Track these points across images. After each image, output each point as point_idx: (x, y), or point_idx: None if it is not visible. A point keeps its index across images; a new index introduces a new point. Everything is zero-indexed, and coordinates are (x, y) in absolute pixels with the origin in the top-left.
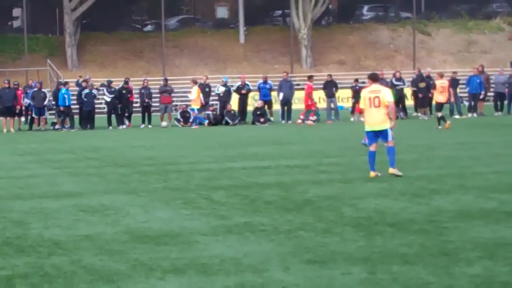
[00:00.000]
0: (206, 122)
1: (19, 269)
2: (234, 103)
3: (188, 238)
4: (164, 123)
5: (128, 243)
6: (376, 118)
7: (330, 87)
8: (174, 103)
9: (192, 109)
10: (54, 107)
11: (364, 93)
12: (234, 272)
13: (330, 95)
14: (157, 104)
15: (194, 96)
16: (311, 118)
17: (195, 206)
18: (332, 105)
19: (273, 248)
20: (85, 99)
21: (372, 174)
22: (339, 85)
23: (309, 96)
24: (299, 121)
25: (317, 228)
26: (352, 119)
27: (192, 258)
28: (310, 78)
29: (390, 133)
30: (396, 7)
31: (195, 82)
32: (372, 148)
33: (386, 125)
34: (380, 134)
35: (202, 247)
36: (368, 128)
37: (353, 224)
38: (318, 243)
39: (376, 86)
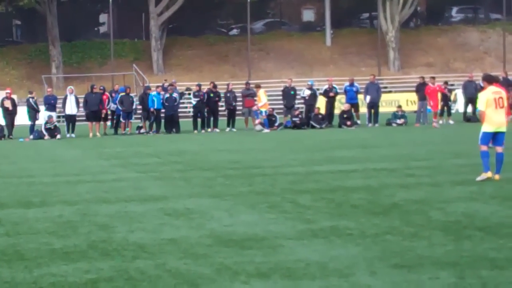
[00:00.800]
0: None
1: (104, 273)
2: (321, 106)
3: (273, 242)
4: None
5: (212, 247)
6: (502, 119)
7: (422, 90)
8: None
9: (261, 112)
10: (140, 111)
11: (487, 95)
12: (320, 276)
13: (423, 98)
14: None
15: (265, 100)
16: (434, 120)
17: (280, 210)
18: (422, 108)
19: (359, 252)
20: (166, 104)
21: (490, 174)
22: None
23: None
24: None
25: (404, 232)
26: (440, 122)
27: (277, 262)
28: (433, 78)
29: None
30: (485, 8)
31: (259, 86)
32: (485, 148)
33: (505, 127)
34: (497, 136)
35: (287, 251)
36: (491, 128)
37: (441, 228)
38: (406, 247)
39: (495, 88)
